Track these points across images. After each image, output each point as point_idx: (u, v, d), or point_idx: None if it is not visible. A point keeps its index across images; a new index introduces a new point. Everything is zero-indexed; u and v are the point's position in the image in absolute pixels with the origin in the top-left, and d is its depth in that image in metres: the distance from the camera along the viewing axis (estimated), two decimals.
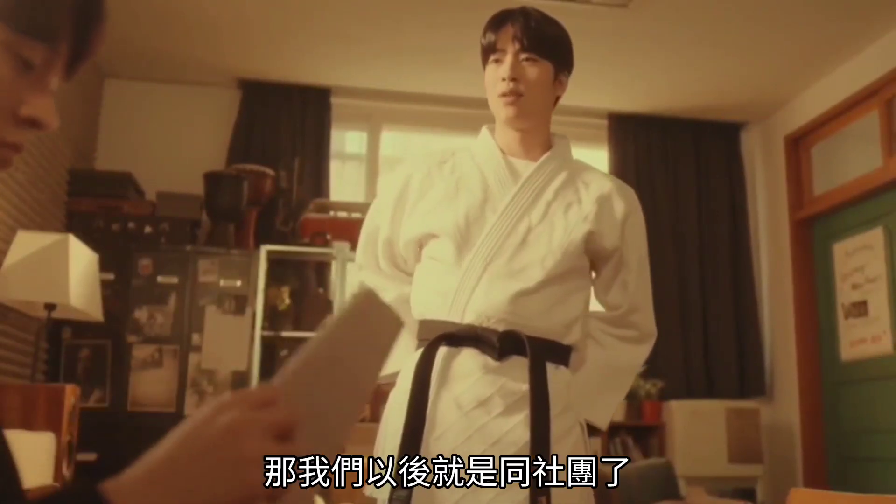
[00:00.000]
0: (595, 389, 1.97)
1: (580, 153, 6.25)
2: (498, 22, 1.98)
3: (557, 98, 2.08)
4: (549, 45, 1.97)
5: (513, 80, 1.93)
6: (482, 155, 2.02)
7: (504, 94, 1.94)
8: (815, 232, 5.53)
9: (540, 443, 1.77)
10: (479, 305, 1.86)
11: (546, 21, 1.99)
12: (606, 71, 5.28)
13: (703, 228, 5.80)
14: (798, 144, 5.66)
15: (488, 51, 1.99)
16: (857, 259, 5.11)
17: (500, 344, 1.83)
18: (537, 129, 2.02)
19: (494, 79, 1.97)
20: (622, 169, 5.76)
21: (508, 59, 1.94)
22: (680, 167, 5.87)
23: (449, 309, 1.89)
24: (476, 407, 1.81)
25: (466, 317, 1.86)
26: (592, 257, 1.99)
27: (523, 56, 1.94)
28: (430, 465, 1.66)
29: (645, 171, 5.80)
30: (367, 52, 5.09)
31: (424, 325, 1.95)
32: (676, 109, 5.80)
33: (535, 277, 1.87)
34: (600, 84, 5.47)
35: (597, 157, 5.87)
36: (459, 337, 1.86)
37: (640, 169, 5.79)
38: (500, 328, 1.84)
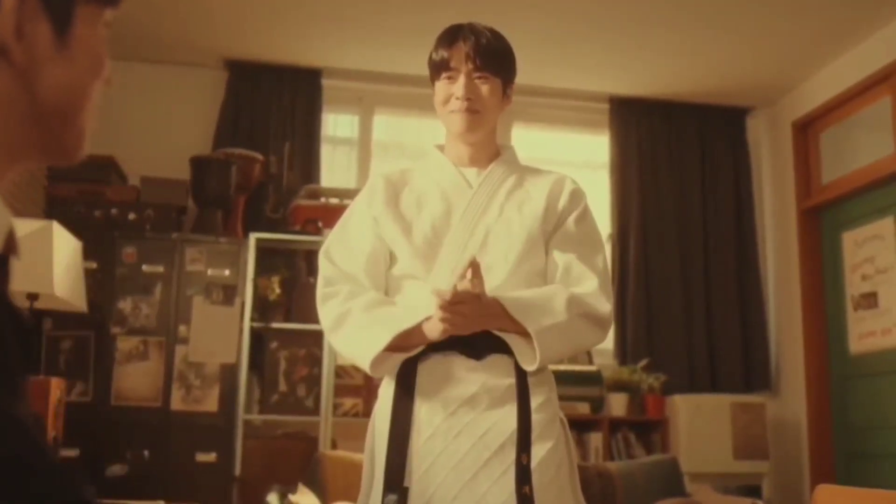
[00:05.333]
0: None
1: (581, 138, 6.16)
2: (450, 39, 2.09)
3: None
4: (498, 62, 2.10)
5: (468, 98, 2.05)
6: (436, 170, 2.15)
7: (459, 112, 2.05)
8: (823, 221, 5.41)
9: (524, 437, 1.87)
10: None
11: (494, 37, 2.11)
12: (608, 53, 5.15)
13: (707, 217, 5.65)
14: (806, 130, 5.52)
15: (441, 68, 2.09)
16: (866, 249, 5.00)
17: (479, 344, 1.92)
18: (487, 141, 2.15)
19: (446, 95, 2.08)
20: (624, 155, 5.63)
21: (462, 78, 2.06)
22: (684, 153, 5.72)
23: (426, 315, 1.95)
24: (462, 405, 1.90)
25: None
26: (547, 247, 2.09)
27: (476, 75, 2.06)
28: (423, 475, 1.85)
29: (647, 157, 5.65)
30: (359, 32, 4.94)
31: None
32: (680, 93, 5.65)
33: (501, 274, 1.99)
34: (602, 67, 5.34)
35: (598, 142, 5.74)
36: (439, 342, 1.93)
37: (643, 155, 5.64)
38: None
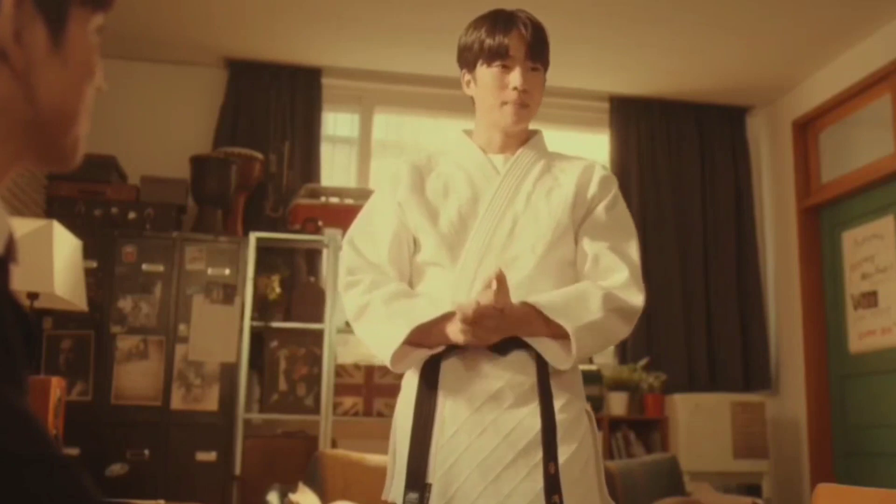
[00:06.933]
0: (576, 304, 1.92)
1: (581, 137, 6.14)
2: (507, 26, 2.01)
3: None
4: (546, 53, 2.05)
5: (524, 91, 1.99)
6: (463, 156, 2.09)
7: (512, 104, 1.99)
8: (822, 220, 5.40)
9: (548, 440, 1.84)
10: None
11: (542, 28, 2.06)
12: (608, 53, 5.14)
13: (706, 216, 5.64)
14: (806, 130, 5.51)
15: (497, 54, 2.00)
16: (866, 248, 4.98)
17: (503, 339, 1.87)
18: (522, 129, 2.10)
19: (500, 84, 2.00)
20: (624, 154, 5.62)
21: (519, 68, 1.99)
22: (683, 152, 5.71)
23: (449, 309, 1.90)
24: (487, 401, 1.86)
25: None
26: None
27: (529, 65, 2.00)
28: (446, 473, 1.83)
29: (647, 156, 5.64)
30: (359, 31, 4.93)
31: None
32: (680, 92, 5.64)
33: (528, 265, 1.94)
34: (602, 66, 5.33)
35: (598, 141, 5.73)
36: None
37: (643, 154, 5.64)
38: None
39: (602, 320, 1.89)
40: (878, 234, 4.91)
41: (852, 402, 5.05)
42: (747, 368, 5.49)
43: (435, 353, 1.90)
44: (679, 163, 5.69)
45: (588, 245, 2.00)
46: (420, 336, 1.88)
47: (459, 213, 1.98)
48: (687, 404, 5.04)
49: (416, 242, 2.02)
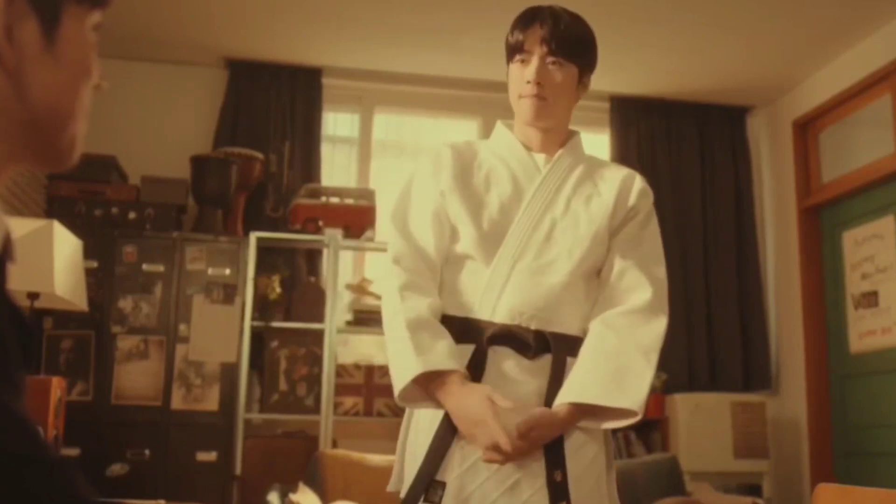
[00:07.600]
0: (612, 373, 1.87)
1: (581, 137, 6.07)
2: (527, 21, 2.01)
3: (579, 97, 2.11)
4: (575, 48, 2.00)
5: (538, 83, 1.96)
6: (504, 149, 2.06)
7: (528, 98, 1.97)
8: (823, 220, 5.40)
9: (554, 453, 1.82)
10: (511, 303, 1.88)
11: (574, 22, 2.02)
12: (608, 53, 5.08)
13: (707, 216, 5.64)
14: (806, 129, 5.51)
15: (515, 50, 2.01)
16: (867, 248, 4.98)
17: (535, 343, 1.87)
18: (557, 128, 2.06)
19: (519, 79, 2.00)
20: (624, 153, 5.61)
21: (535, 61, 1.97)
22: (684, 152, 5.71)
23: (478, 307, 1.91)
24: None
25: (497, 315, 1.89)
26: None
27: (549, 59, 1.97)
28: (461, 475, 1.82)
29: (648, 155, 5.64)
30: (360, 31, 4.93)
31: (457, 323, 1.92)
32: (681, 92, 5.64)
33: (564, 270, 1.92)
34: (602, 66, 5.24)
35: (598, 141, 5.72)
36: (495, 336, 1.88)
37: (643, 154, 5.63)
38: (533, 325, 1.88)
39: (650, 369, 1.87)
40: (879, 234, 4.91)
41: (852, 402, 5.05)
42: (747, 368, 5.48)
43: (477, 351, 1.89)
44: (679, 163, 5.69)
45: (618, 259, 1.98)
46: (427, 382, 1.83)
47: (501, 209, 1.95)
48: (687, 404, 5.03)
49: (454, 231, 1.98)
